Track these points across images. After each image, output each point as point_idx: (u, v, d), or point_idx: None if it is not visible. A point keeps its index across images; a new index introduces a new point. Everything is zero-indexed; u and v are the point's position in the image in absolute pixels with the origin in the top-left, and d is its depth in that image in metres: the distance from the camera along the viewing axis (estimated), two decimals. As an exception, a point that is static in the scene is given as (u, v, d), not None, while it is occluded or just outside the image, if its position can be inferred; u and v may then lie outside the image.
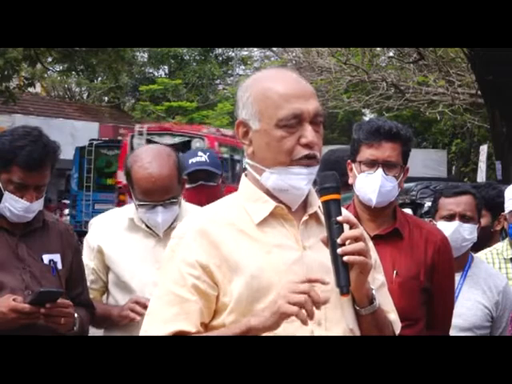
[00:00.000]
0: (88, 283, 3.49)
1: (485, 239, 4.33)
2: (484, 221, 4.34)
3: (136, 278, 3.39)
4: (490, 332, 3.78)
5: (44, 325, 3.09)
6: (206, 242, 2.22)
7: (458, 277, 3.72)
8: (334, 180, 2.23)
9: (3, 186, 3.19)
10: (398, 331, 2.42)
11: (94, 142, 22.38)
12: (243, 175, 2.36)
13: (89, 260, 3.50)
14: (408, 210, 8.43)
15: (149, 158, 3.34)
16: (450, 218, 3.76)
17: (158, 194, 3.30)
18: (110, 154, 21.97)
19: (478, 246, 4.21)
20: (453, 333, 3.50)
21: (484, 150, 18.33)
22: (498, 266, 4.16)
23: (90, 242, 3.52)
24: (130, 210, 3.48)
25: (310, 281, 2.12)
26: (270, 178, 2.26)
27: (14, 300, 3.05)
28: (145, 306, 3.16)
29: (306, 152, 2.22)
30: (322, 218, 2.31)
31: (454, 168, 33.55)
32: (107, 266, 3.47)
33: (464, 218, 3.75)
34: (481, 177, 17.92)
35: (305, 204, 2.32)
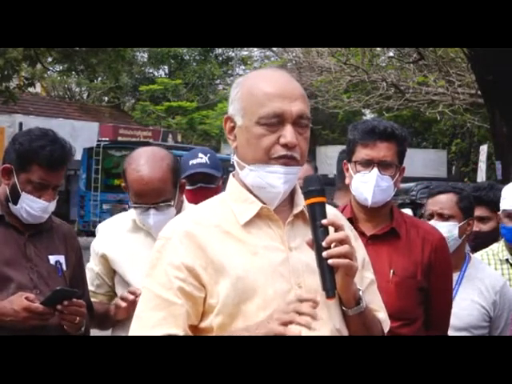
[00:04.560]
0: (93, 288, 3.53)
1: (493, 241, 4.33)
2: (493, 223, 4.33)
3: (138, 276, 3.40)
4: (488, 332, 3.78)
5: (53, 325, 3.10)
6: (192, 244, 2.22)
7: (455, 277, 3.73)
8: (318, 183, 2.23)
9: (21, 187, 3.21)
10: (386, 329, 2.43)
11: (102, 143, 22.60)
12: (231, 175, 2.37)
13: (94, 265, 3.54)
14: (408, 210, 8.42)
15: (142, 160, 3.35)
16: (429, 217, 3.82)
17: (149, 197, 3.32)
18: (118, 154, 22.20)
19: (484, 248, 4.21)
20: (449, 332, 3.50)
21: (484, 149, 18.33)
22: (494, 266, 4.16)
23: (94, 247, 3.56)
24: (133, 212, 3.50)
25: (301, 300, 2.12)
26: (249, 175, 2.27)
27: (26, 298, 3.06)
28: (135, 294, 3.22)
29: (283, 152, 2.22)
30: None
31: (453, 168, 33.59)
32: (112, 270, 3.50)
33: (441, 217, 3.78)
34: (481, 177, 17.92)
35: (291, 204, 2.32)
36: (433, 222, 3.73)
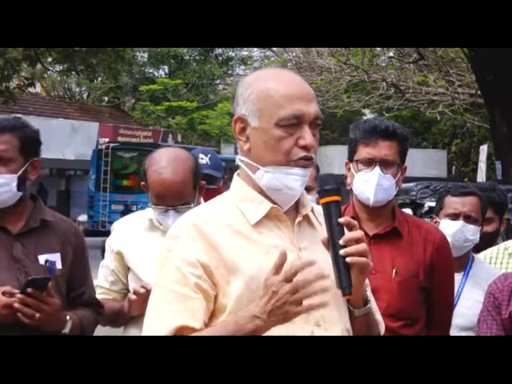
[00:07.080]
0: (107, 285, 3.52)
1: (493, 243, 4.31)
2: (495, 225, 4.31)
3: (152, 275, 3.40)
4: (490, 332, 3.78)
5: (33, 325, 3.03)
6: (203, 242, 2.21)
7: (459, 276, 3.73)
8: (334, 182, 2.24)
9: None
10: (382, 331, 2.43)
11: (111, 145, 23.07)
12: (235, 174, 2.35)
13: (109, 262, 3.53)
14: (408, 210, 8.38)
15: (164, 162, 3.33)
16: (454, 216, 3.76)
17: (170, 199, 3.30)
18: (126, 156, 22.63)
19: (485, 249, 4.20)
20: (454, 332, 3.50)
21: (484, 149, 18.32)
22: (501, 260, 4.13)
23: (110, 244, 3.54)
24: (150, 211, 3.49)
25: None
26: (264, 176, 2.26)
27: (3, 293, 3.00)
28: (147, 288, 3.17)
29: (303, 154, 2.22)
30: (313, 219, 2.33)
31: (454, 168, 33.58)
32: (127, 268, 3.49)
33: (468, 219, 3.75)
34: (481, 177, 17.91)
35: (297, 205, 2.32)
36: (459, 223, 3.71)
